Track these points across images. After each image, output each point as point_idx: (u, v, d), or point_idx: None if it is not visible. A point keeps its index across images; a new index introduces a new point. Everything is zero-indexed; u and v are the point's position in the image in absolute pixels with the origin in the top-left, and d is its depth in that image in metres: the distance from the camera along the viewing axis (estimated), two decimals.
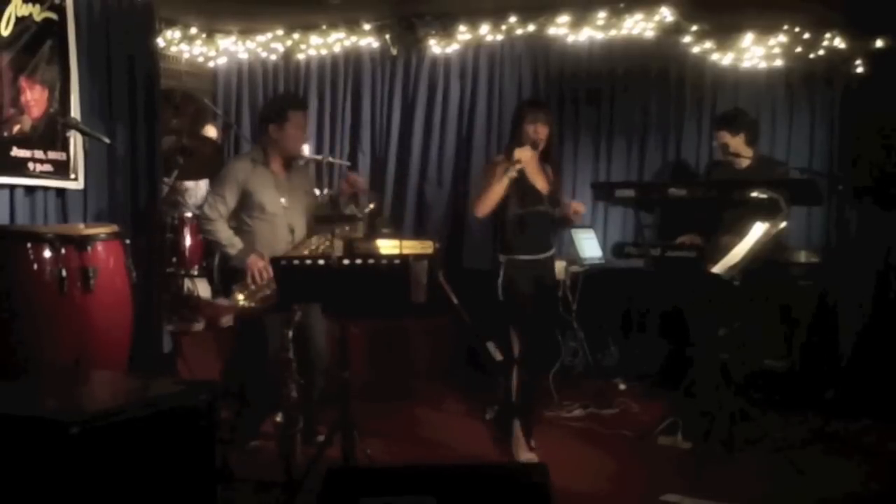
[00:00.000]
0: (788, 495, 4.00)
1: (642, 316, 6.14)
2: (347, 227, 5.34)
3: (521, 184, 4.44)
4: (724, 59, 6.30)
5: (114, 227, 4.14)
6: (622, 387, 5.92)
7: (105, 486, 2.49)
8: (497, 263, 4.53)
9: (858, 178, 5.63)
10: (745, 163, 5.33)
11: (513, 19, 6.47)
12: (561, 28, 6.42)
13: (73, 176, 4.75)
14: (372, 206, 6.32)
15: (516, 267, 4.49)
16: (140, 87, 5.14)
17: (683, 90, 6.49)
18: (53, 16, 4.62)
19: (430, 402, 5.50)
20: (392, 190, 7.04)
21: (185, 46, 6.93)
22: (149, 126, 5.19)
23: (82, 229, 4.03)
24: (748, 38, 6.16)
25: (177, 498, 2.74)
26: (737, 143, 5.33)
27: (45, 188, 4.63)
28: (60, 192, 4.72)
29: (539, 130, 4.50)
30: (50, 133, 4.63)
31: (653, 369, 5.92)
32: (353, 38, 6.89)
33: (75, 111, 4.73)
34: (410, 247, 6.02)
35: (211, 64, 7.23)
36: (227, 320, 5.55)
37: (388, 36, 6.78)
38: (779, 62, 6.23)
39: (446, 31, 6.64)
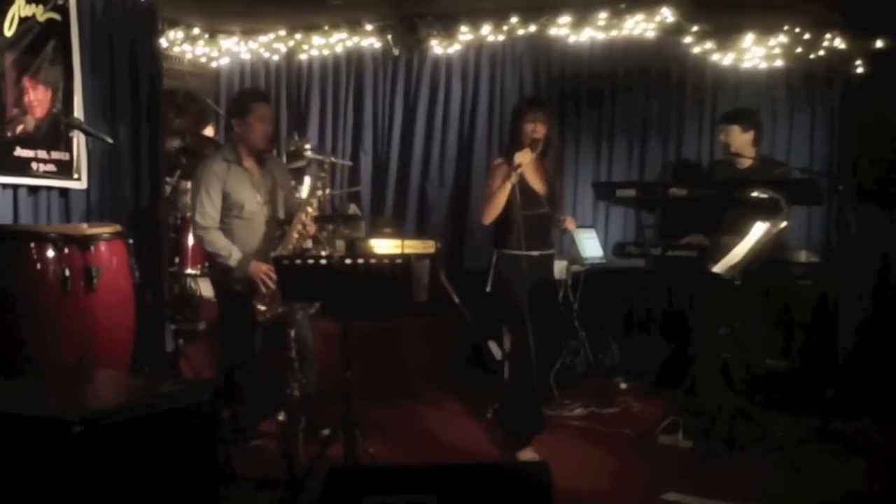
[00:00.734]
0: (788, 494, 4.00)
1: (643, 315, 6.16)
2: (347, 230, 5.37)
3: (519, 186, 4.45)
4: (725, 59, 6.32)
5: (117, 227, 4.14)
6: (623, 386, 5.93)
7: (108, 484, 2.50)
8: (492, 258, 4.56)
9: (859, 178, 5.64)
10: (746, 162, 5.34)
11: (514, 20, 6.49)
12: (562, 28, 6.45)
13: (76, 176, 4.76)
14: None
15: (508, 261, 4.51)
16: (143, 88, 5.16)
17: (684, 90, 6.50)
18: (57, 16, 4.63)
19: (432, 401, 5.50)
20: (394, 190, 7.05)
21: (188, 47, 6.95)
22: (151, 126, 5.20)
23: (85, 229, 4.03)
24: (749, 38, 6.18)
25: (179, 497, 2.75)
26: (744, 140, 5.34)
27: (49, 188, 4.65)
28: (64, 192, 4.73)
29: (538, 129, 4.52)
30: (53, 133, 4.64)
31: (654, 368, 5.93)
32: (355, 39, 6.91)
33: (78, 111, 4.74)
34: (412, 246, 6.02)
35: (213, 64, 7.24)
36: None
37: (389, 36, 6.79)
38: (779, 62, 6.25)
39: (448, 32, 6.65)
